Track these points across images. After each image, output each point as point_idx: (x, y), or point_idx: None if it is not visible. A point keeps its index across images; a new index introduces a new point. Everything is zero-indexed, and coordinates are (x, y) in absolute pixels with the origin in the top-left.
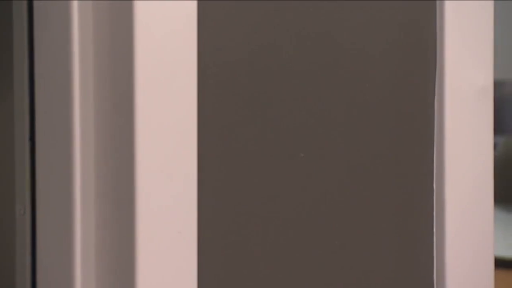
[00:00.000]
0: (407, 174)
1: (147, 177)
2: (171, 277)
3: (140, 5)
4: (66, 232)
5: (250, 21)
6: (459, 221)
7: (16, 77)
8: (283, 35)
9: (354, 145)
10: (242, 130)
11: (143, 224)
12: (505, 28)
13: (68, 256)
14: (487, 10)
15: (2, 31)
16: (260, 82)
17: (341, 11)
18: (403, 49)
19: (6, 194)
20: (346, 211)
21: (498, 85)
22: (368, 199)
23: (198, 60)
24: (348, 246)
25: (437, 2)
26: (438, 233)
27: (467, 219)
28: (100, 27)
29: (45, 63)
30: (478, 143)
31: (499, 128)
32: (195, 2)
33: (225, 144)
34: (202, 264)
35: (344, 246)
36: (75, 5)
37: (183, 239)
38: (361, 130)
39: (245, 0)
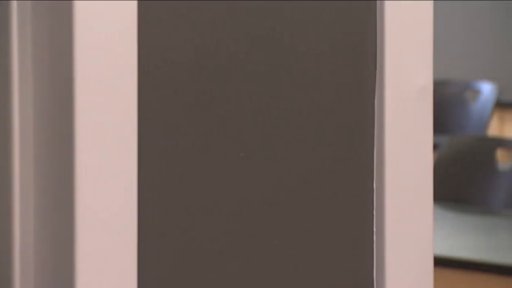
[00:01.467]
0: (347, 173)
1: (86, 177)
2: (110, 277)
3: (80, 5)
4: (4, 232)
5: (192, 21)
6: (399, 220)
7: None
8: (225, 34)
9: (295, 145)
10: (183, 130)
11: (82, 225)
12: (449, 29)
13: (6, 256)
14: (427, 10)
15: None
16: (201, 82)
17: (283, 11)
18: (343, 49)
19: None
20: (286, 210)
21: (443, 85)
22: (308, 198)
23: (139, 60)
24: (287, 246)
25: (378, 2)
26: (378, 232)
27: (407, 218)
28: (39, 27)
29: None
30: (418, 142)
31: (442, 127)
32: (135, 2)
33: (165, 144)
34: (142, 265)
35: (284, 245)
36: (14, 5)
37: (123, 240)
38: (301, 130)
39: (187, 0)
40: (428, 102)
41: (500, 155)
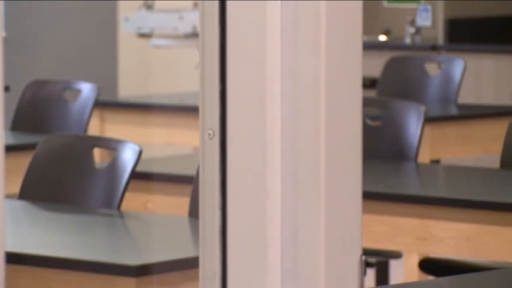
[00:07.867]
0: None
1: None
2: None
3: None
4: None
5: None
6: None
7: None
8: None
9: None
10: None
11: None
12: (53, 31)
13: None
14: None
15: None
16: None
17: None
18: None
19: None
20: None
21: (42, 85)
22: None
23: None
24: None
25: None
26: None
27: None
28: None
29: None
30: None
31: (42, 127)
32: None
33: None
34: None
35: None
36: None
37: None
38: None
39: None
40: None
41: (98, 154)
